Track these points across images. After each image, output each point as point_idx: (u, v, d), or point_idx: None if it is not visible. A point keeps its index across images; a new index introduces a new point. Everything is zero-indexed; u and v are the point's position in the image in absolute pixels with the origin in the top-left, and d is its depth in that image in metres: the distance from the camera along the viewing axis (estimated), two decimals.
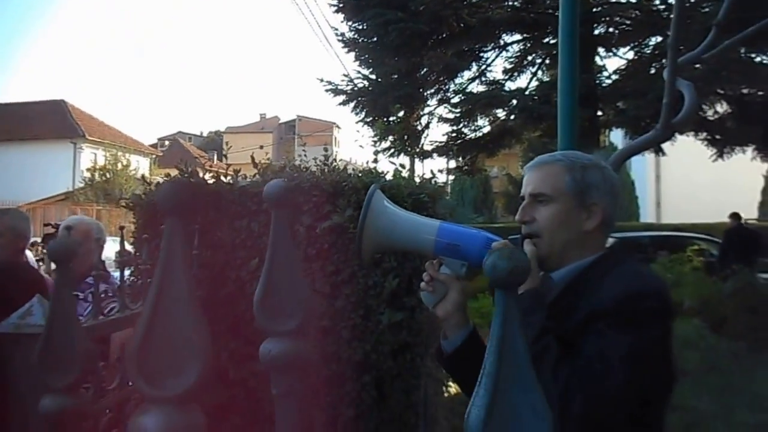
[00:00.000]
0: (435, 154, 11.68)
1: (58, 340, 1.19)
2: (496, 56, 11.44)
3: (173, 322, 0.79)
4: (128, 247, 3.56)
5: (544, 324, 1.38)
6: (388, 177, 3.38)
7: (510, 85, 11.40)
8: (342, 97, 11.32)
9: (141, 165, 32.64)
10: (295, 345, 1.30)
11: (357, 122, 11.31)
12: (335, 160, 3.76)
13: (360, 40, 11.12)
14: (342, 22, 11.31)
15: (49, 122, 34.78)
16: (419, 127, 11.67)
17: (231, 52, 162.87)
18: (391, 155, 9.43)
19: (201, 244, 3.04)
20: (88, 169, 30.95)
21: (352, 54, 11.37)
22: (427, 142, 11.75)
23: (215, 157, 39.59)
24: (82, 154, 33.79)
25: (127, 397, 1.88)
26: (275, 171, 3.45)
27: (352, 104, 11.28)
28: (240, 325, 3.08)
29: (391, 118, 9.42)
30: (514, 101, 10.61)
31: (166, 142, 62.75)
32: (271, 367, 1.30)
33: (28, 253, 4.70)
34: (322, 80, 11.37)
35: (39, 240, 8.59)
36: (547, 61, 10.96)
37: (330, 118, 60.46)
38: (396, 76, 10.92)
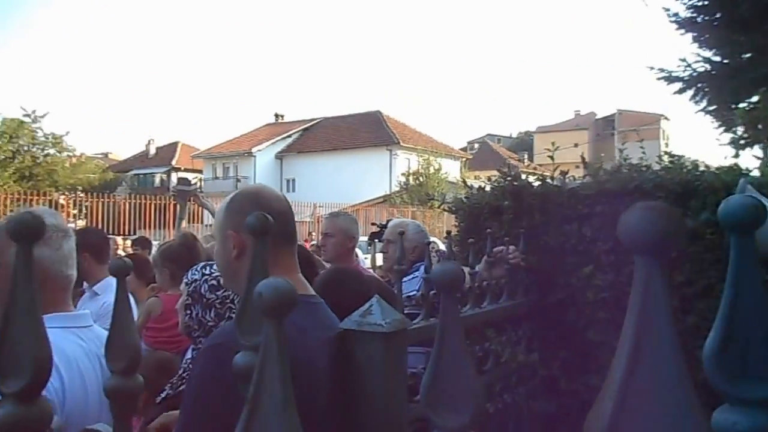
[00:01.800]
0: None
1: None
2: None
3: (652, 391, 0.63)
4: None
5: None
6: (754, 173, 3.06)
7: None
8: (678, 85, 10.79)
9: (451, 168, 35.58)
10: None
11: (696, 112, 10.75)
12: (672, 155, 3.53)
13: (699, 18, 10.46)
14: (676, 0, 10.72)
15: (367, 132, 41.33)
16: None
17: (542, 49, 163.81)
18: (739, 147, 8.55)
19: (527, 248, 3.11)
20: (402, 174, 34.57)
21: (689, 35, 10.74)
22: None
23: (525, 158, 40.34)
24: (396, 160, 38.63)
25: None
26: (609, 171, 3.36)
27: (690, 92, 10.73)
28: (572, 335, 3.08)
29: (739, 105, 8.52)
30: None
31: (476, 145, 65.61)
32: None
33: (358, 251, 5.34)
34: (652, 68, 10.96)
35: (366, 239, 9.33)
36: None
37: (655, 110, 57.02)
38: (749, 55, 10.00)
